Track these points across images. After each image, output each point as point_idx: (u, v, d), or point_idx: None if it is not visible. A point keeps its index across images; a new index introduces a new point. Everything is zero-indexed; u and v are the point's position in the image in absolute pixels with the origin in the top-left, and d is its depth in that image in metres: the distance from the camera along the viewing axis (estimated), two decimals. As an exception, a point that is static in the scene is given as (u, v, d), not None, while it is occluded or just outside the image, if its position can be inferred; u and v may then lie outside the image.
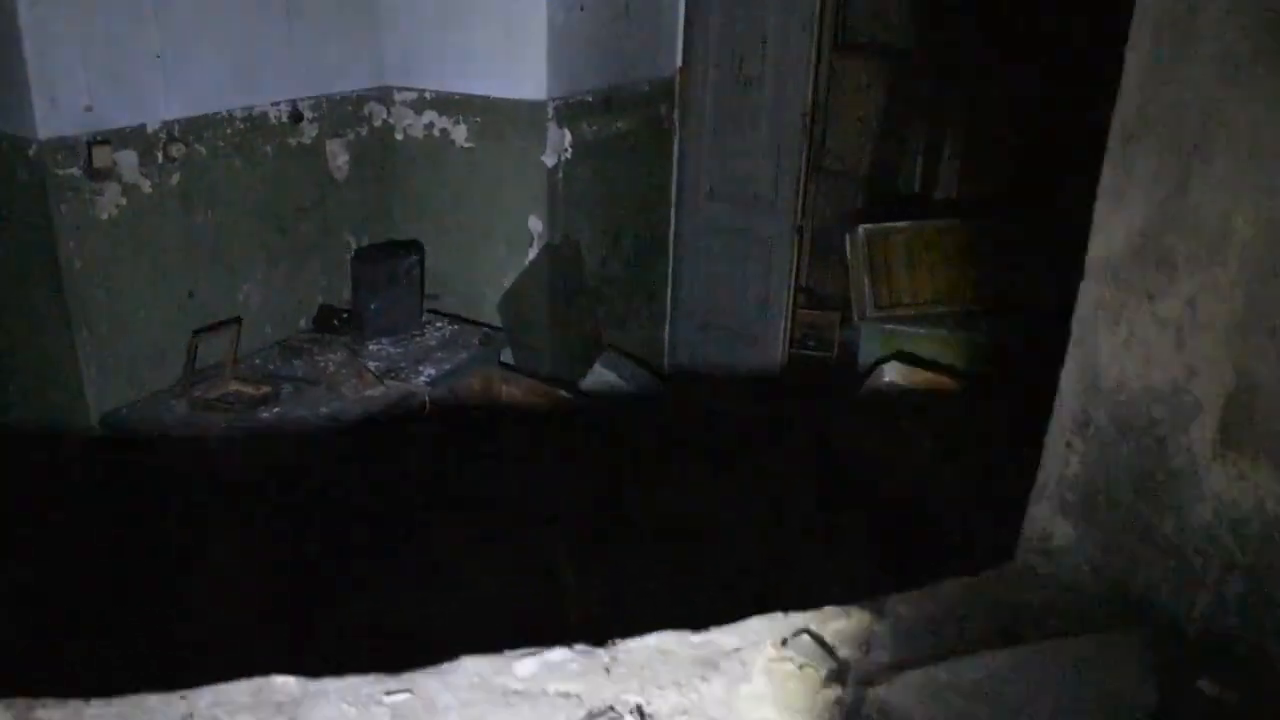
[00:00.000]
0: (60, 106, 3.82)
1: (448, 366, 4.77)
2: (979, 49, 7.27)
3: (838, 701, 1.46)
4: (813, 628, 1.62)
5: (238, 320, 4.54)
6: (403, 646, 1.68)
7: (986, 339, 5.27)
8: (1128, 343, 1.57)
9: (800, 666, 1.54)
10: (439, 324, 5.15)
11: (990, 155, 7.27)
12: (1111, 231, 1.60)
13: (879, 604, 1.68)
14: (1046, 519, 1.78)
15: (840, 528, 4.34)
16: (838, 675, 1.50)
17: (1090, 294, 1.67)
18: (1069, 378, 1.70)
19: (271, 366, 4.65)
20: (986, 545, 2.23)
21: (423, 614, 3.68)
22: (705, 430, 5.50)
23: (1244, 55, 1.43)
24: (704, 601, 4.33)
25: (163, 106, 4.20)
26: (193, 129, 4.33)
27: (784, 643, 1.59)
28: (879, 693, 1.43)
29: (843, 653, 1.57)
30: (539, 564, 4.22)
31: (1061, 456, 1.74)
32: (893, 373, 4.83)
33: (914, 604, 1.68)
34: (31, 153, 3.81)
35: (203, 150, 4.38)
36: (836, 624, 1.64)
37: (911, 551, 3.86)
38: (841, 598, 1.70)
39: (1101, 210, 1.62)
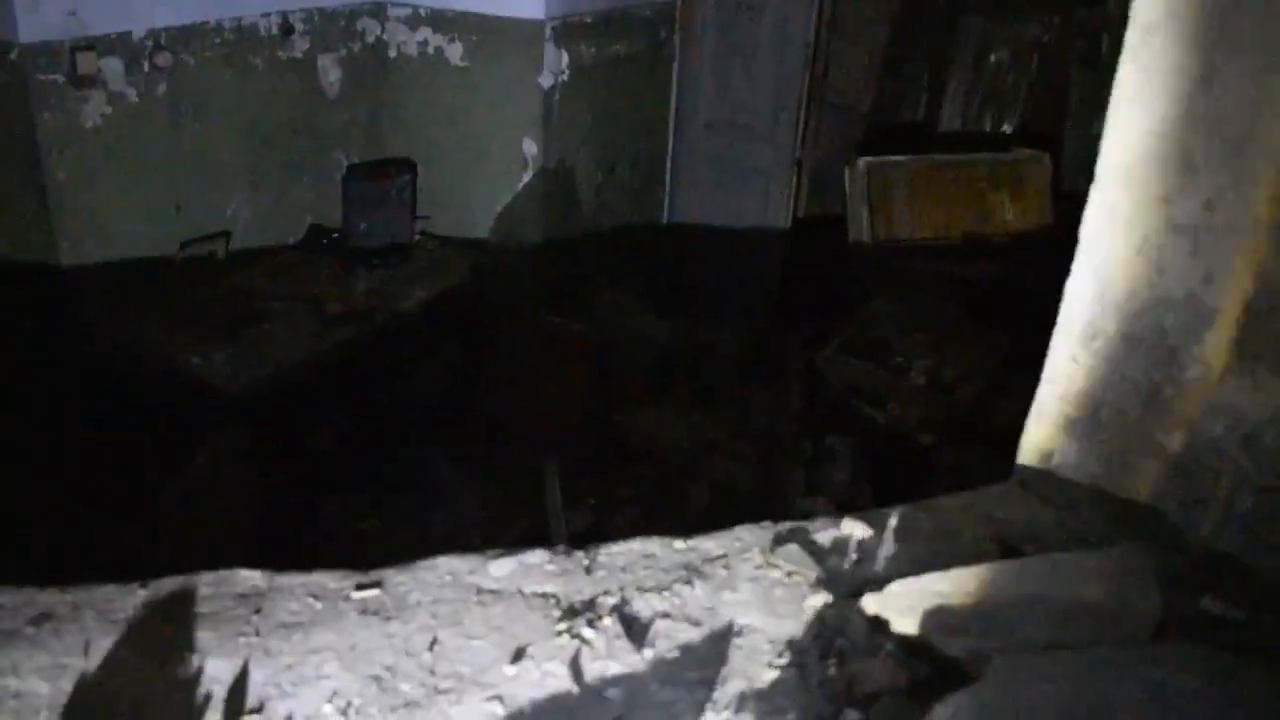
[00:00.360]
0: (43, 9, 3.69)
1: (438, 290, 4.68)
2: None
3: (825, 609, 1.40)
4: (802, 537, 1.57)
5: (225, 234, 4.45)
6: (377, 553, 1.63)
7: (985, 274, 5.22)
8: (1141, 249, 1.50)
9: (788, 574, 1.48)
10: (429, 246, 5.05)
11: (996, 93, 7.15)
12: (1127, 131, 1.51)
13: (871, 515, 1.63)
14: (1047, 436, 1.72)
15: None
16: (826, 584, 1.45)
17: (1102, 199, 1.59)
18: (1076, 287, 1.62)
19: (259, 284, 4.56)
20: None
21: (403, 536, 3.65)
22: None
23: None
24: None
25: (150, 13, 4.06)
26: (180, 38, 4.19)
27: (772, 550, 1.54)
28: (869, 601, 1.38)
29: (832, 562, 1.51)
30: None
31: (1065, 371, 1.67)
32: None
33: (908, 517, 1.63)
34: (13, 56, 3.69)
35: (190, 61, 4.25)
36: (827, 533, 1.58)
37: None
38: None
39: (1118, 108, 1.54)
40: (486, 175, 5.17)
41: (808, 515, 3.54)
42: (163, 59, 4.13)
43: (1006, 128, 7.24)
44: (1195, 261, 1.41)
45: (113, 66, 3.99)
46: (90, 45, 3.87)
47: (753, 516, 1.82)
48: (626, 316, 5.37)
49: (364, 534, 3.73)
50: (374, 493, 4.33)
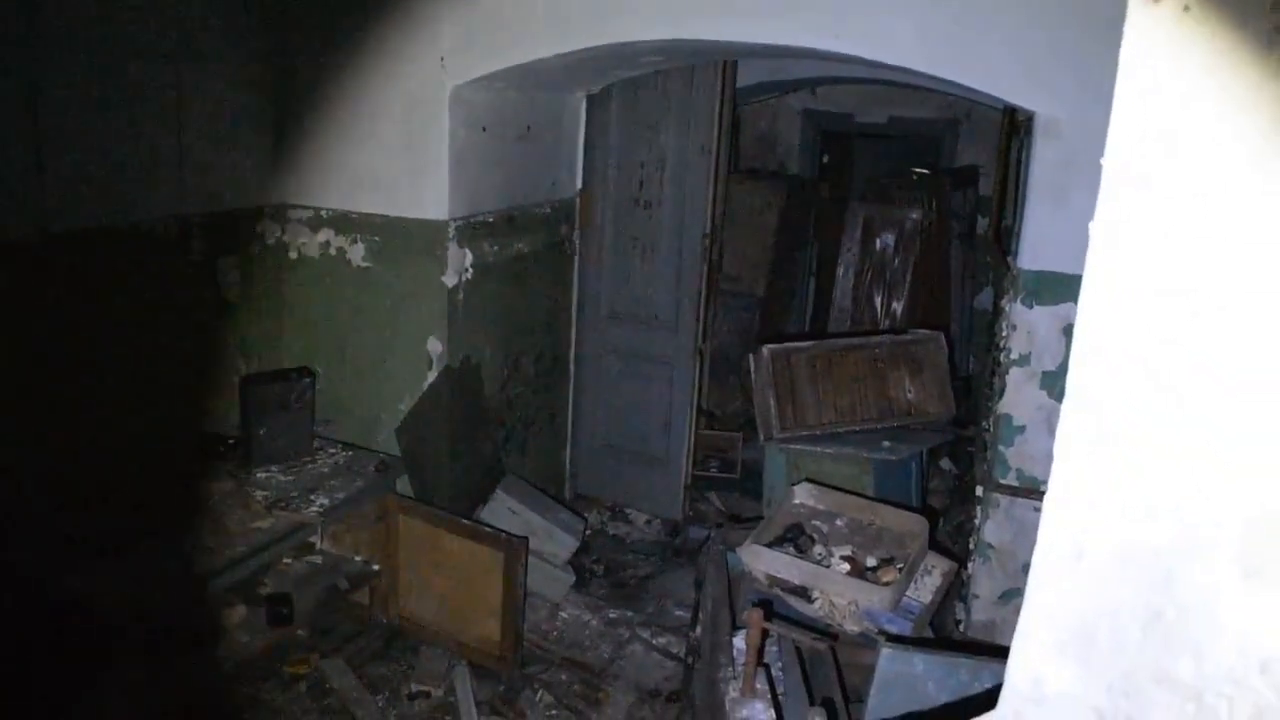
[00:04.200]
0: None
1: (341, 495, 4.49)
2: (872, 175, 7.47)
3: None
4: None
5: (116, 444, 4.20)
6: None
7: (892, 456, 5.25)
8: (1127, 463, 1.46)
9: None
10: (332, 451, 4.87)
11: (884, 272, 7.42)
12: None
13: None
14: (1037, 661, 1.65)
15: None
16: None
17: (1075, 410, 1.56)
18: (1055, 502, 1.58)
19: (153, 496, 4.30)
20: None
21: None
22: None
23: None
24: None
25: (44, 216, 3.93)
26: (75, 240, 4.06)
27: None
28: None
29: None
30: None
31: (1051, 589, 1.61)
32: (804, 494, 4.73)
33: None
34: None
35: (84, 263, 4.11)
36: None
37: None
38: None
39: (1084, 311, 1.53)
40: (390, 375, 5.07)
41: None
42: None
43: (895, 305, 7.49)
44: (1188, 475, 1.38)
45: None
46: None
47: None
48: (538, 512, 5.24)
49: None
50: (275, 708, 4.06)
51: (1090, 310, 1.47)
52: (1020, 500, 4.33)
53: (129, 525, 3.95)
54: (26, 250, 3.85)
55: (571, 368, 6.16)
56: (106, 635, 3.59)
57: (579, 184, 5.93)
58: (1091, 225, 1.55)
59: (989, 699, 1.61)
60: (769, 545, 4.52)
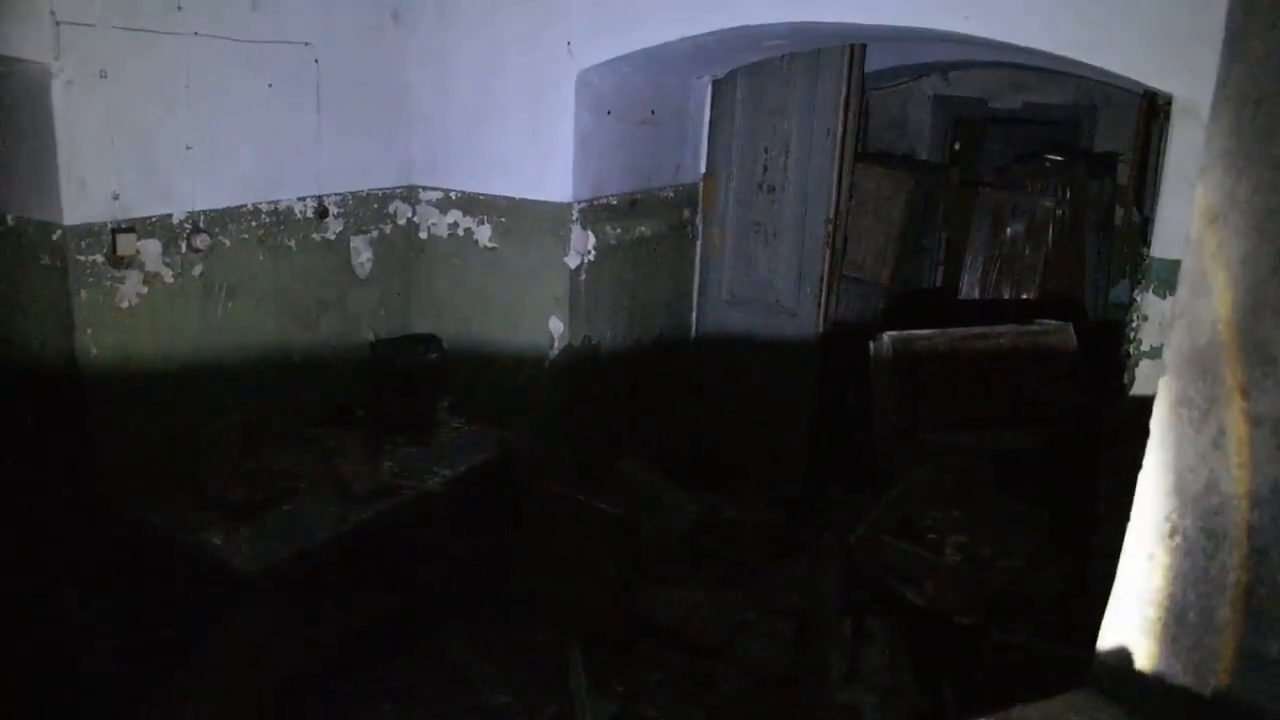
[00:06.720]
0: (88, 193, 3.79)
1: (464, 468, 4.63)
2: (1003, 162, 7.30)
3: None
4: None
5: (250, 412, 4.43)
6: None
7: (1014, 447, 5.16)
8: (1217, 442, 1.45)
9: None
10: (456, 424, 5.03)
11: (1013, 262, 7.26)
12: (1195, 321, 1.49)
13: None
14: (1125, 637, 1.64)
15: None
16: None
17: (1172, 390, 1.55)
18: (1149, 482, 1.57)
19: (285, 462, 4.52)
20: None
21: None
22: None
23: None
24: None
25: (190, 197, 4.17)
26: (218, 221, 4.29)
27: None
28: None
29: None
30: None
31: (1142, 569, 1.60)
32: (921, 483, 4.69)
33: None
34: (55, 238, 3.76)
35: (227, 242, 4.34)
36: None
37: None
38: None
39: (1183, 299, 1.52)
40: (513, 353, 5.20)
41: (852, 708, 3.39)
42: (200, 241, 4.20)
43: (1025, 297, 7.32)
44: (1280, 456, 1.36)
45: (151, 248, 4.05)
46: (131, 227, 3.95)
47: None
48: (654, 492, 5.31)
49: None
50: (393, 676, 4.21)
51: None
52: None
53: (262, 493, 4.17)
54: (169, 228, 4.11)
55: (691, 351, 6.21)
56: (237, 589, 3.79)
57: (703, 168, 5.97)
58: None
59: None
60: (884, 533, 4.50)
